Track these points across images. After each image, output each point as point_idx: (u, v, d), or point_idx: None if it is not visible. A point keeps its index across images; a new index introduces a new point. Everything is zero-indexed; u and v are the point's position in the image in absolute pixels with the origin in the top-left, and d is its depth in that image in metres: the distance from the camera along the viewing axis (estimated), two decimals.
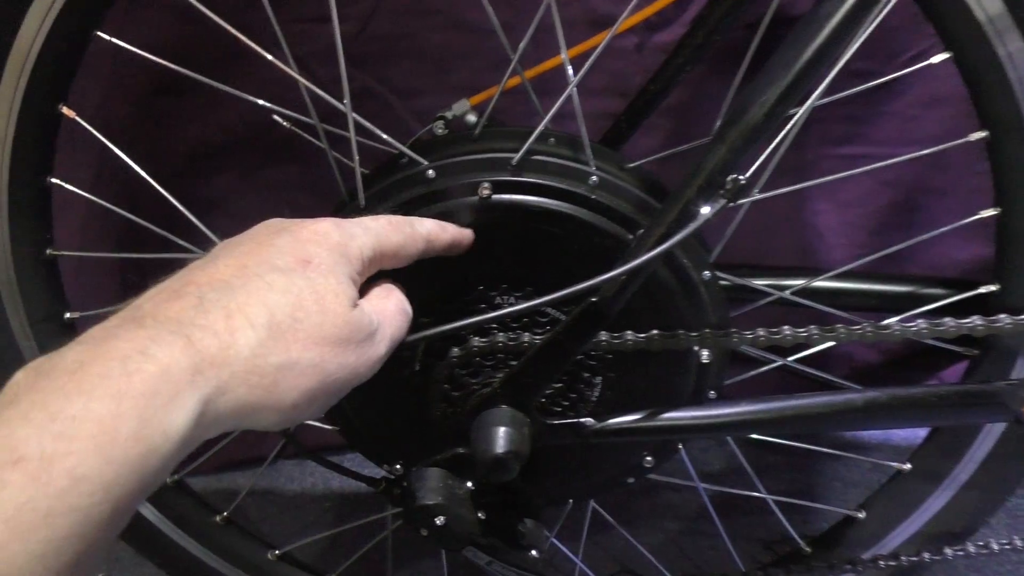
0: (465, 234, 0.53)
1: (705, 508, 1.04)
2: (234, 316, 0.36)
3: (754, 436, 0.71)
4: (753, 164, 0.48)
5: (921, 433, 1.04)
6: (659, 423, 0.57)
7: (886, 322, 0.54)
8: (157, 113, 0.87)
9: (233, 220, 0.89)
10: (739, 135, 0.44)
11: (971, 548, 0.65)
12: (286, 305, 0.38)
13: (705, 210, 0.46)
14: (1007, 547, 0.65)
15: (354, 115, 0.56)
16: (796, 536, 0.75)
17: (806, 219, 0.90)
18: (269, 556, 0.83)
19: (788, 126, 0.49)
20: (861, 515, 0.72)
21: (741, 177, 0.45)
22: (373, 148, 0.60)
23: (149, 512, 0.77)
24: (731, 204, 0.45)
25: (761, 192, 0.56)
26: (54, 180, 0.60)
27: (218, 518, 0.80)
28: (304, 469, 1.17)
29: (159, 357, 0.32)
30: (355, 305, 0.42)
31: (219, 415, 0.35)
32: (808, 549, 0.76)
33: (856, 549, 0.73)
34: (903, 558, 0.66)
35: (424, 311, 0.58)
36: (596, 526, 0.83)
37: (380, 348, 0.43)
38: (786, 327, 0.54)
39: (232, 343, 0.35)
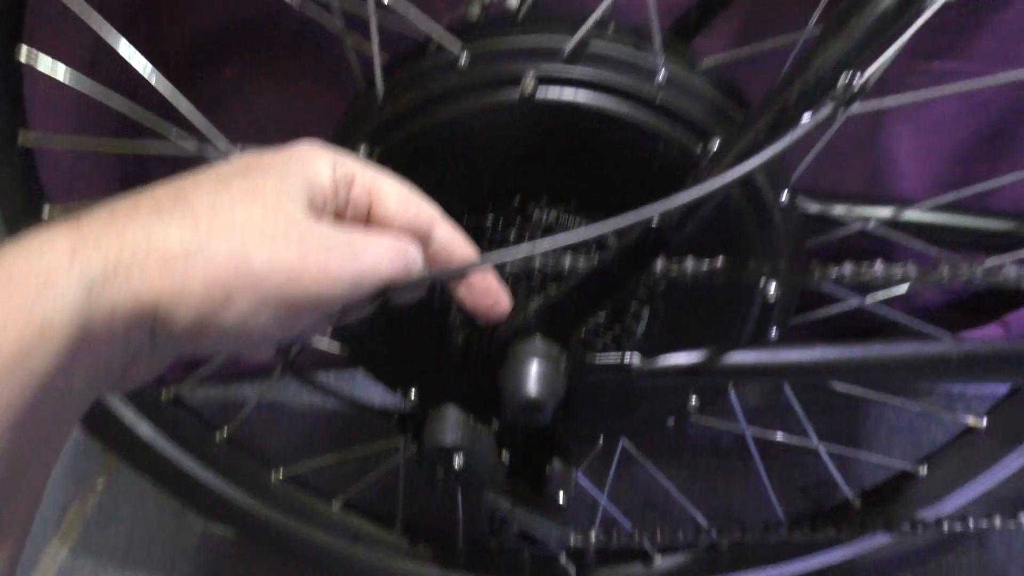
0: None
1: (735, 446, 0.98)
2: (140, 204, 0.31)
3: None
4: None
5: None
6: (718, 365, 0.49)
7: (992, 262, 0.46)
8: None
9: (242, 114, 0.82)
10: (865, 23, 0.34)
11: None
12: (207, 196, 0.32)
13: (807, 117, 0.37)
14: None
15: None
16: (847, 490, 0.69)
17: (879, 142, 0.80)
18: (273, 477, 0.78)
19: (918, 21, 0.40)
20: (922, 471, 0.66)
21: (860, 75, 0.35)
22: (396, 38, 0.51)
23: (145, 429, 0.72)
24: (844, 112, 0.36)
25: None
26: (24, 51, 0.52)
27: (218, 436, 0.75)
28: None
29: (31, 246, 0.28)
30: (311, 210, 0.34)
31: (116, 308, 0.28)
32: (857, 502, 0.69)
33: (911, 507, 0.67)
34: (971, 520, 0.60)
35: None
36: (620, 458, 0.77)
37: (349, 266, 0.33)
38: (877, 263, 0.46)
39: (126, 225, 0.29)
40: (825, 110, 0.36)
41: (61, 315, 0.27)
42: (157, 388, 0.72)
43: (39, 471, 0.29)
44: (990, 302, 0.93)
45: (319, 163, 0.35)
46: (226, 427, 0.76)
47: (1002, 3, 0.68)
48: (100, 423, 0.71)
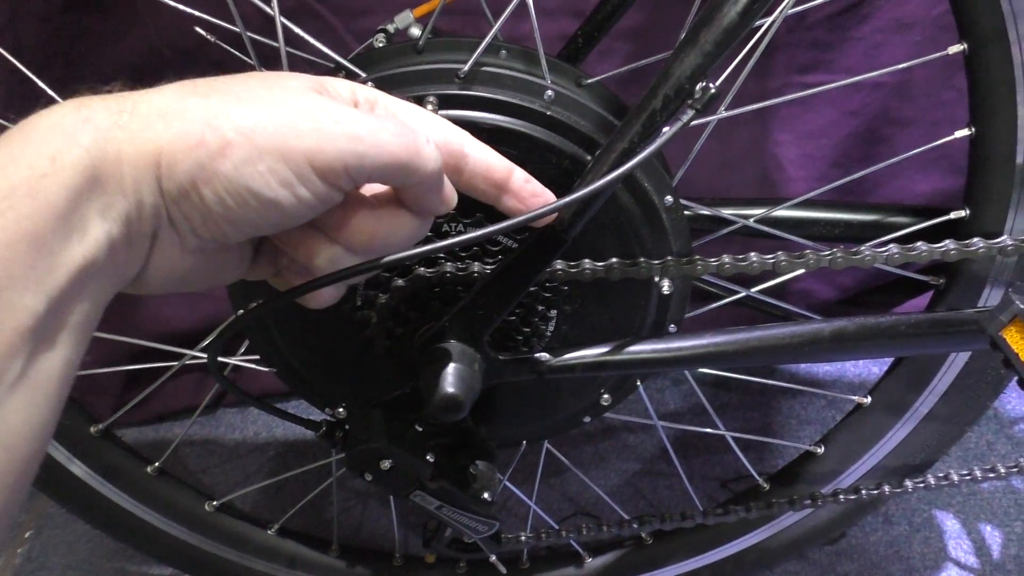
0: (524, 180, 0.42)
1: (659, 449, 1.03)
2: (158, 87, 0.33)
3: (711, 372, 0.69)
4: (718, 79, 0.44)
5: (875, 370, 1.05)
6: (619, 357, 0.53)
7: (857, 248, 0.51)
8: (71, 32, 0.79)
9: None
10: (712, 37, 0.39)
11: (931, 480, 0.64)
12: (211, 80, 0.34)
13: (672, 125, 0.42)
14: (967, 478, 0.64)
15: (283, 20, 0.50)
16: (754, 472, 0.74)
17: (766, 151, 0.87)
18: (207, 507, 0.79)
19: (757, 36, 0.45)
20: (820, 450, 0.71)
21: (712, 85, 0.41)
22: (307, 65, 0.55)
23: (76, 467, 0.72)
24: (699, 118, 0.41)
25: (728, 110, 0.52)
26: None
27: (149, 469, 0.76)
28: (245, 417, 1.12)
29: (40, 111, 0.30)
30: (314, 91, 0.35)
31: (122, 154, 0.30)
32: (766, 486, 0.74)
33: (815, 484, 0.72)
34: (863, 492, 0.65)
35: None
36: (550, 469, 0.81)
37: (346, 126, 0.33)
38: (752, 254, 0.51)
39: (127, 95, 0.32)
40: (685, 116, 0.41)
41: (70, 151, 0.29)
42: (87, 424, 0.72)
43: (88, 310, 0.30)
44: (883, 297, 1.00)
45: (339, 79, 0.37)
46: (158, 462, 0.77)
47: (858, 21, 0.76)
48: None
